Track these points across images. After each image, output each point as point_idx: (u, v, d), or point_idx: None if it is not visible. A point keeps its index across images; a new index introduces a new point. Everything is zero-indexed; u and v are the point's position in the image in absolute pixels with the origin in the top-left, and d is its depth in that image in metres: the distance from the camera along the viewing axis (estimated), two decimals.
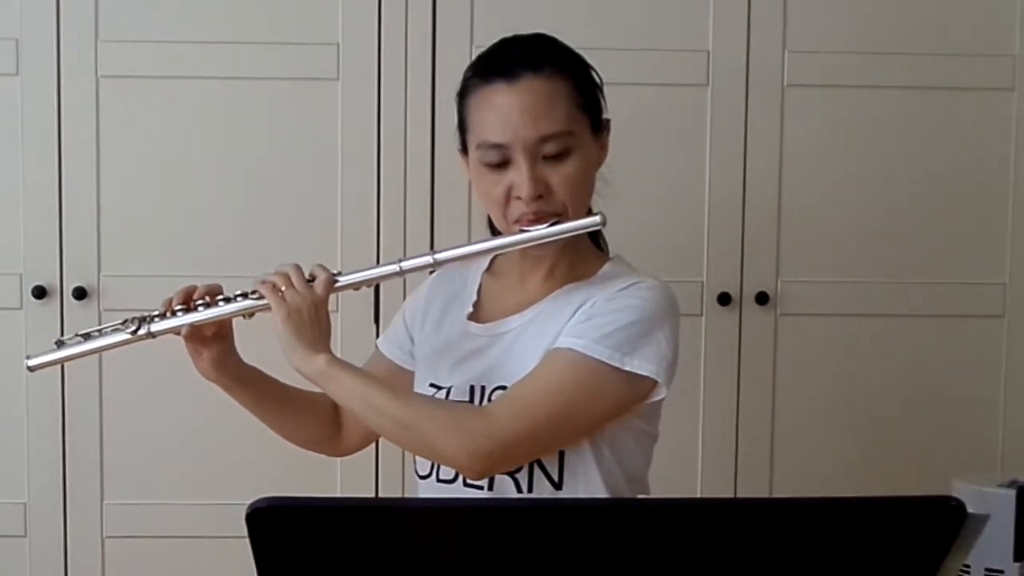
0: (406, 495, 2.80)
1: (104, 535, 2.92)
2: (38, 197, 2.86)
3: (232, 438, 2.84)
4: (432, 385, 1.94)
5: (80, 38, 2.84)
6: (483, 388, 1.88)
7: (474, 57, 1.94)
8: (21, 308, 2.87)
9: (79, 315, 2.86)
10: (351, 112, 2.87)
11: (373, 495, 2.85)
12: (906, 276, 2.97)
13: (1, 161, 2.87)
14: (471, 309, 1.97)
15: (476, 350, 1.92)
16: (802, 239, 2.95)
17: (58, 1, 2.83)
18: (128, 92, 2.86)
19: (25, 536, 2.91)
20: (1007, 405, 3.01)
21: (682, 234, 2.92)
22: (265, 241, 2.88)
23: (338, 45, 2.86)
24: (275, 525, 1.23)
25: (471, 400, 1.88)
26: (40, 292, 2.85)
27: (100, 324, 2.78)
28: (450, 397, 1.90)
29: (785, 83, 2.92)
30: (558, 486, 1.83)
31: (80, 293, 2.85)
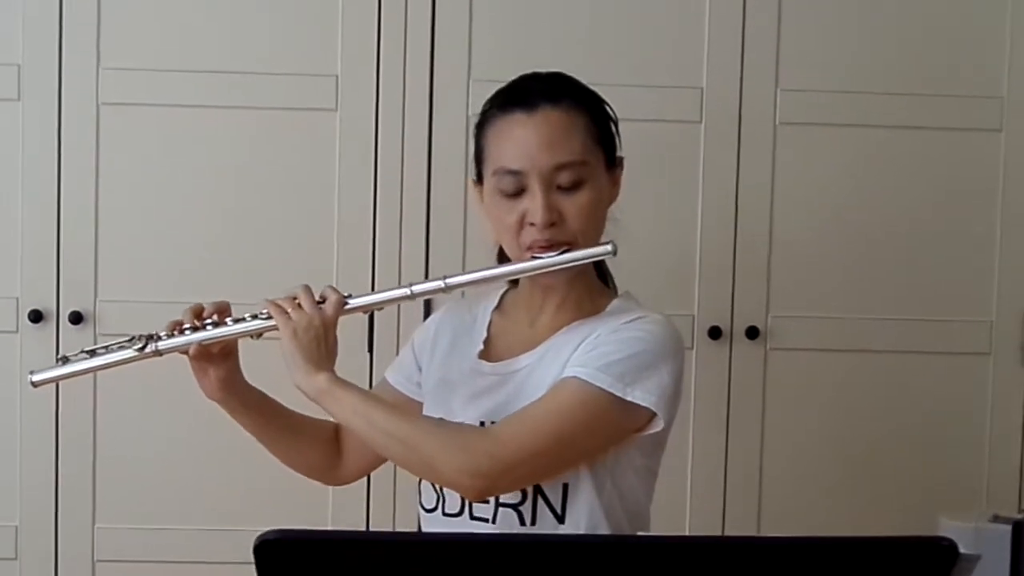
0: (400, 527, 2.82)
1: (95, 559, 2.92)
2: (37, 221, 2.88)
3: (225, 464, 2.86)
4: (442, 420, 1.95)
5: (82, 65, 2.86)
6: (492, 424, 1.89)
7: (493, 92, 1.97)
8: (17, 332, 2.88)
9: (75, 339, 2.85)
10: (349, 142, 2.90)
11: (364, 526, 2.87)
12: (894, 313, 3.00)
13: (1, 185, 2.88)
14: (481, 347, 1.99)
15: (487, 388, 1.94)
16: (792, 275, 2.98)
17: (60, 28, 2.85)
18: (128, 119, 2.88)
19: (16, 559, 2.91)
20: (992, 441, 3.03)
21: (674, 268, 2.95)
22: (261, 269, 2.89)
23: (337, 76, 2.89)
24: (284, 557, 1.25)
25: None
26: (36, 316, 2.86)
27: None
28: None
29: (777, 121, 2.95)
30: (561, 519, 1.85)
31: (76, 318, 2.87)
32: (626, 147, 2.86)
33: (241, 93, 2.89)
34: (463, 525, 1.87)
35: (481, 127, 1.93)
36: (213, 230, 2.91)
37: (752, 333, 2.95)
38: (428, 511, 1.93)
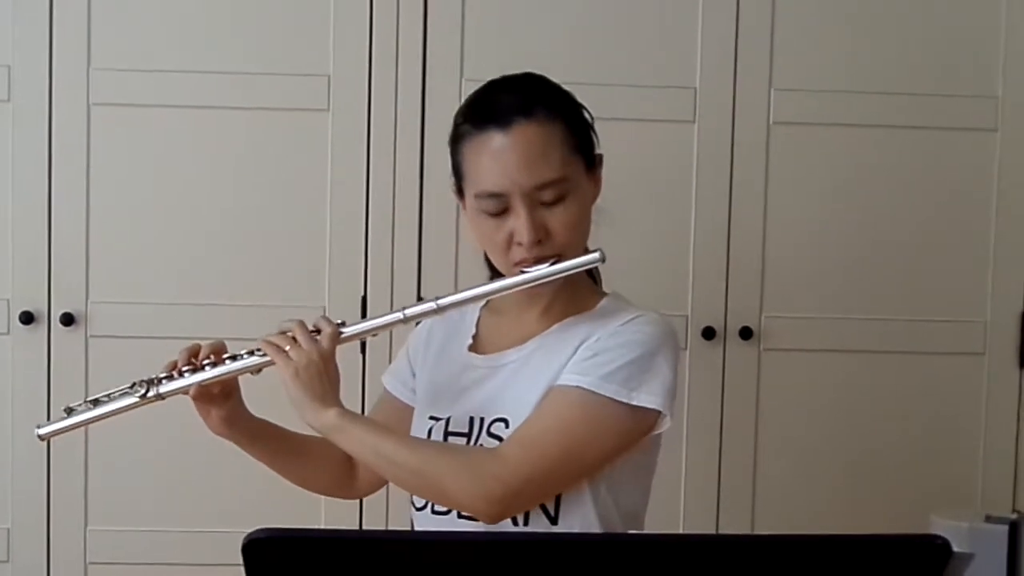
0: (393, 526, 2.82)
1: (87, 561, 2.91)
2: (28, 223, 2.87)
3: (216, 466, 2.84)
4: (432, 417, 1.94)
5: (72, 66, 2.85)
6: (482, 420, 1.88)
7: (464, 100, 1.94)
8: (8, 333, 2.87)
9: (66, 341, 2.86)
10: (341, 142, 2.89)
11: (357, 525, 2.86)
12: (888, 313, 3.00)
13: None
14: (471, 341, 1.98)
15: (476, 381, 1.93)
16: (786, 275, 2.97)
17: (51, 28, 2.84)
18: (119, 120, 2.87)
19: (8, 561, 2.90)
20: (986, 442, 3.03)
21: (667, 269, 2.95)
22: (254, 269, 2.90)
23: (329, 76, 2.88)
24: (272, 556, 1.24)
25: (470, 431, 1.89)
26: (28, 318, 2.85)
27: (87, 351, 2.85)
28: (449, 428, 1.91)
29: (771, 121, 2.95)
30: (554, 520, 1.84)
31: (68, 319, 2.86)
32: (620, 147, 2.85)
33: (233, 93, 2.88)
34: (452, 522, 1.86)
35: (456, 143, 1.90)
36: (205, 231, 2.91)
37: (746, 334, 2.95)
38: (418, 509, 1.93)
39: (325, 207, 2.90)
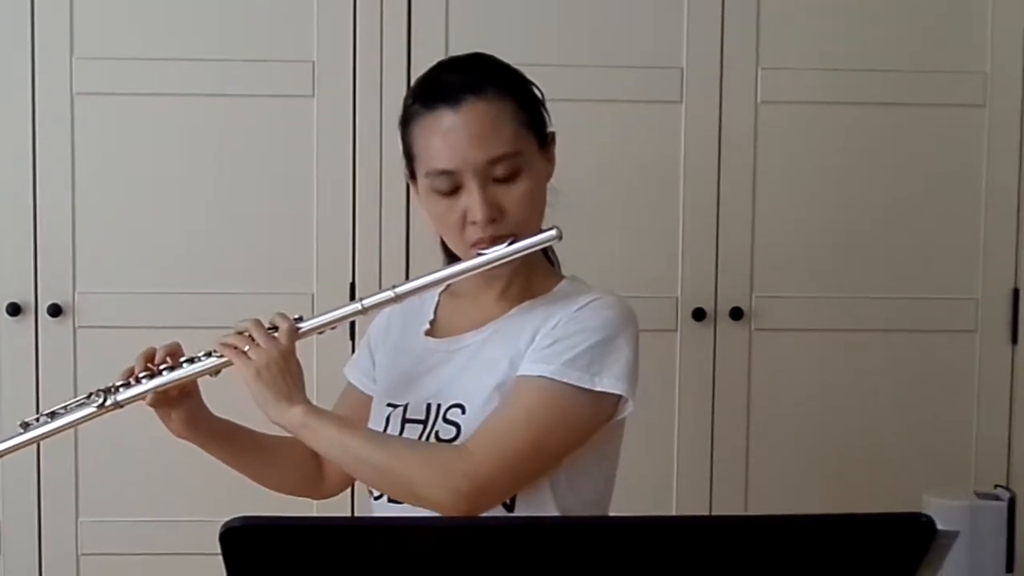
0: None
1: (79, 552, 2.91)
2: (12, 213, 2.86)
3: (208, 456, 2.83)
4: (389, 404, 1.93)
5: (55, 55, 2.84)
6: (439, 406, 1.87)
7: (414, 84, 1.93)
8: None
9: (54, 332, 2.85)
10: (326, 129, 2.88)
11: (349, 514, 2.85)
12: (879, 291, 2.99)
13: None
14: (428, 326, 1.98)
15: (432, 366, 1.92)
16: (776, 255, 2.96)
17: (33, 17, 2.83)
18: (103, 109, 2.86)
19: (0, 553, 2.90)
20: (979, 419, 3.02)
21: (657, 250, 2.94)
22: (241, 257, 2.89)
23: (313, 62, 2.87)
24: (249, 545, 1.23)
25: (426, 417, 1.88)
26: (15, 309, 2.85)
27: (75, 342, 2.84)
28: (406, 415, 1.90)
29: (758, 100, 2.93)
30: (510, 508, 1.82)
31: (55, 310, 2.85)
32: (607, 128, 2.87)
33: (217, 80, 2.87)
34: (406, 511, 1.83)
35: (406, 124, 1.89)
36: (191, 218, 2.90)
37: (736, 314, 2.94)
38: (375, 499, 1.92)
39: (312, 193, 2.89)
